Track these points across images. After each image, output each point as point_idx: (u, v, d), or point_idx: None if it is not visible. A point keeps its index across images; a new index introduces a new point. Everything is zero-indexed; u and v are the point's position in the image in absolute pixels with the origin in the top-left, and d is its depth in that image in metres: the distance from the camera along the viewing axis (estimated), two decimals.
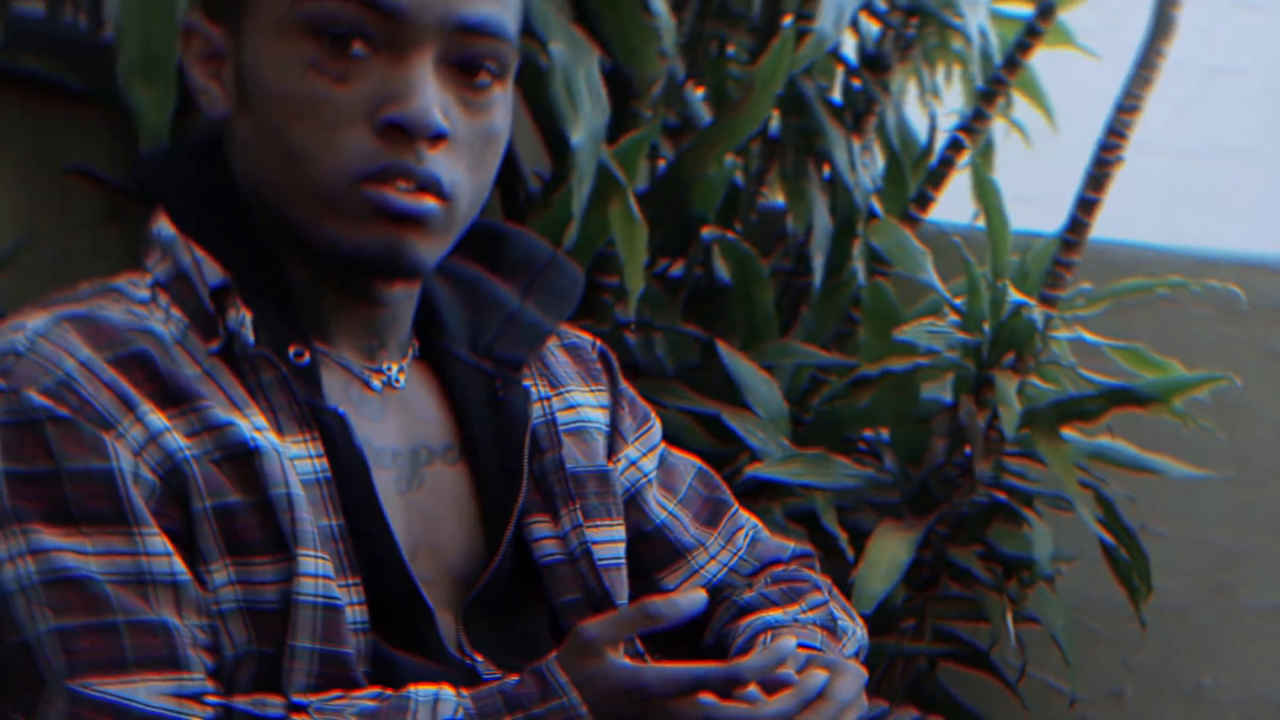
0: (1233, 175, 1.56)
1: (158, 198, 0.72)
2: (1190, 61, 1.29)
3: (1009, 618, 1.16)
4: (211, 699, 0.65)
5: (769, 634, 0.77)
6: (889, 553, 1.08)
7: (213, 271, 0.70)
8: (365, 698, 0.67)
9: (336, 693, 0.67)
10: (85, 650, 0.64)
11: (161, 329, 0.69)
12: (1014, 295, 1.12)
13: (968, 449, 1.13)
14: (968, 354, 1.13)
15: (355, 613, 0.68)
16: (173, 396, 0.67)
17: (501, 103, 0.70)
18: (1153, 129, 1.18)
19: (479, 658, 0.72)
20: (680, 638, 0.78)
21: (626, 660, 0.65)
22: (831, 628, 0.80)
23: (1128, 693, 1.39)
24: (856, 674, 0.71)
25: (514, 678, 0.66)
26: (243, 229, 0.71)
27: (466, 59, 0.68)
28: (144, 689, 0.64)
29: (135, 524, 0.65)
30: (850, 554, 1.09)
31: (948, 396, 1.16)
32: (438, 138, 0.67)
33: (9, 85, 1.05)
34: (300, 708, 0.66)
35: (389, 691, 0.67)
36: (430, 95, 0.66)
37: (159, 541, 0.66)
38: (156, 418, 0.66)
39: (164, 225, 0.71)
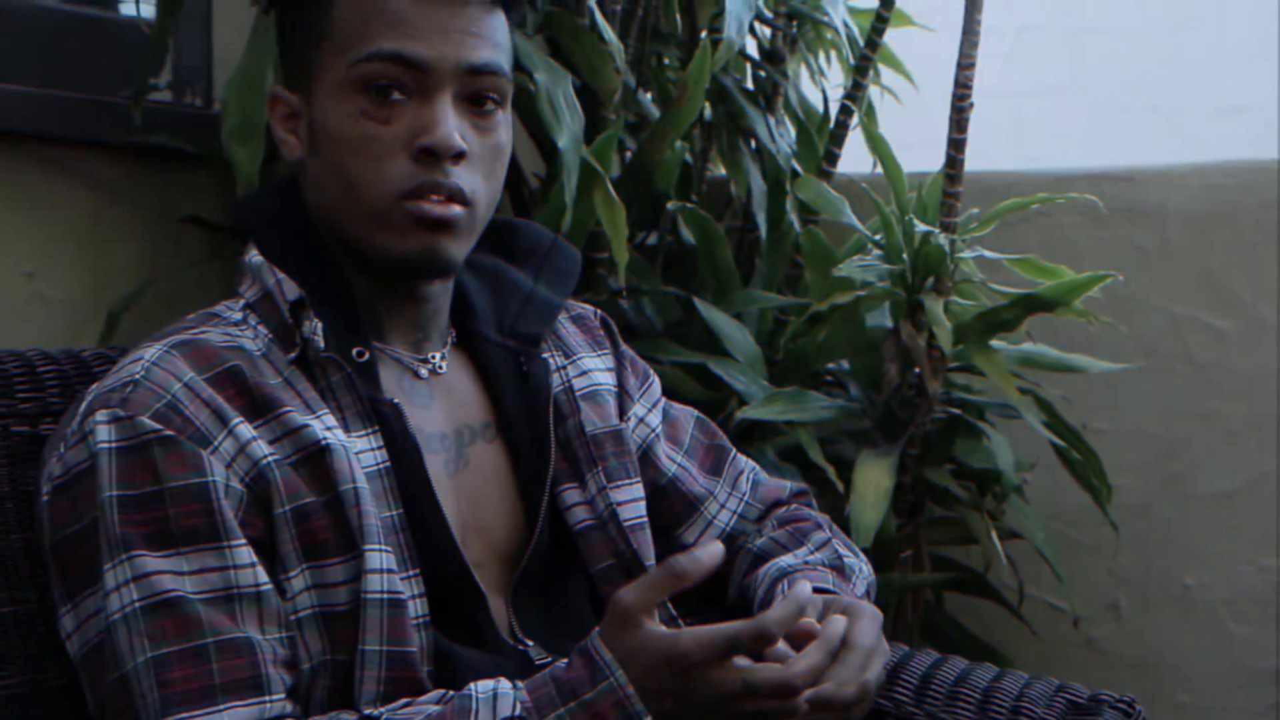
0: (1058, 107, 1.50)
1: (249, 231, 0.68)
2: (1002, 24, 1.24)
3: (994, 534, 1.05)
4: None
5: (785, 581, 0.69)
6: (874, 480, 0.98)
7: (291, 289, 0.65)
8: (429, 702, 0.59)
9: (404, 700, 0.60)
10: (178, 681, 0.57)
11: (250, 345, 0.64)
12: (920, 226, 1.05)
13: (917, 370, 1.04)
14: (896, 282, 1.06)
15: (417, 605, 0.62)
16: (259, 407, 0.62)
17: (504, 123, 0.68)
18: (989, 78, 1.12)
19: (530, 643, 0.65)
20: (706, 596, 0.71)
21: (663, 628, 0.57)
22: (839, 566, 0.72)
23: (1122, 604, 1.24)
24: (873, 615, 0.64)
25: (564, 661, 0.58)
26: (314, 251, 0.67)
27: (476, 93, 0.66)
28: (228, 715, 0.57)
29: (226, 537, 0.59)
30: (840, 486, 0.99)
31: (889, 322, 1.07)
32: (459, 156, 0.65)
33: (142, 157, 1.06)
34: (372, 719, 0.59)
35: (451, 692, 0.59)
36: (451, 124, 0.65)
37: (245, 552, 0.59)
38: (245, 428, 0.61)
39: (253, 254, 0.67)
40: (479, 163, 0.65)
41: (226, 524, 0.59)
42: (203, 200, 1.09)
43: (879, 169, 1.12)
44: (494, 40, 0.66)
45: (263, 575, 0.59)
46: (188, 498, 0.59)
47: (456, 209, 0.64)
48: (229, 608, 0.58)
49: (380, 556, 0.60)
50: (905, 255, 1.05)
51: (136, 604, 0.58)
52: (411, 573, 0.62)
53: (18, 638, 0.64)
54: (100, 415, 0.60)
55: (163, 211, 1.08)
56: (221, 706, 0.57)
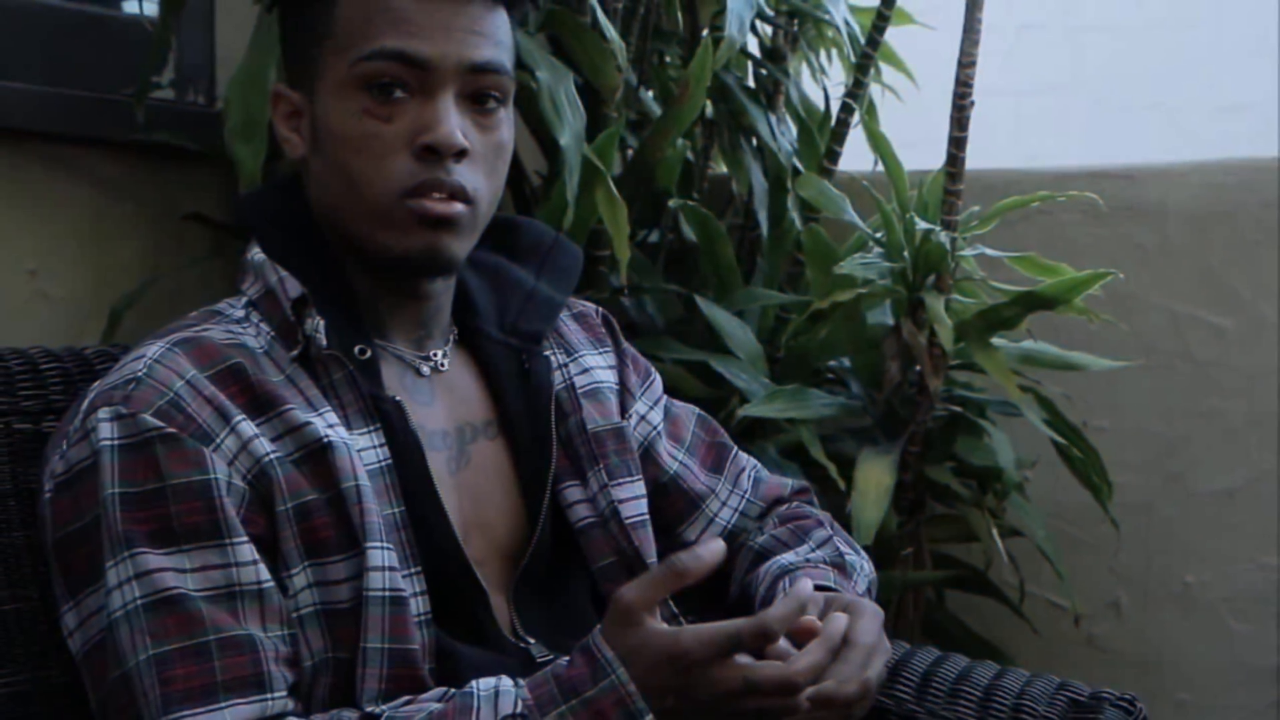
0: (1059, 105, 1.50)
1: (251, 229, 0.68)
2: (1002, 23, 1.23)
3: (994, 531, 1.04)
4: (292, 718, 0.58)
5: (786, 578, 0.69)
6: (875, 478, 0.97)
7: (293, 286, 0.65)
8: (431, 700, 0.59)
9: (405, 698, 0.59)
10: (179, 678, 0.57)
11: (253, 342, 0.64)
12: (921, 223, 1.05)
13: (918, 367, 1.03)
14: (897, 279, 1.05)
15: (418, 603, 0.61)
16: (261, 404, 0.61)
17: (506, 121, 0.68)
18: (990, 76, 1.11)
19: (531, 640, 0.65)
20: (708, 594, 0.70)
21: (664, 625, 0.56)
22: (841, 564, 0.72)
23: (1122, 601, 1.23)
24: (874, 613, 0.64)
25: (565, 659, 0.58)
26: (316, 248, 0.66)
27: (477, 91, 0.66)
28: (230, 714, 0.56)
29: (228, 535, 0.59)
30: (841, 484, 0.98)
31: (890, 320, 1.07)
32: (461, 154, 0.65)
33: (145, 155, 1.06)
34: (374, 716, 0.58)
35: (452, 690, 0.59)
36: (453, 122, 0.65)
37: (247, 549, 0.59)
38: (248, 425, 0.60)
39: (255, 251, 0.66)
40: (481, 160, 0.65)
41: (228, 521, 0.59)
42: (205, 198, 1.08)
43: (880, 167, 1.12)
44: (496, 38, 0.65)
45: (265, 573, 0.59)
46: (190, 495, 0.58)
47: (458, 207, 0.64)
48: (231, 605, 0.58)
49: (382, 554, 0.60)
50: (906, 253, 1.05)
51: (138, 601, 0.57)
52: (413, 570, 0.61)
53: (19, 635, 0.64)
54: (103, 413, 0.59)
55: (165, 209, 1.08)
56: (223, 704, 0.56)
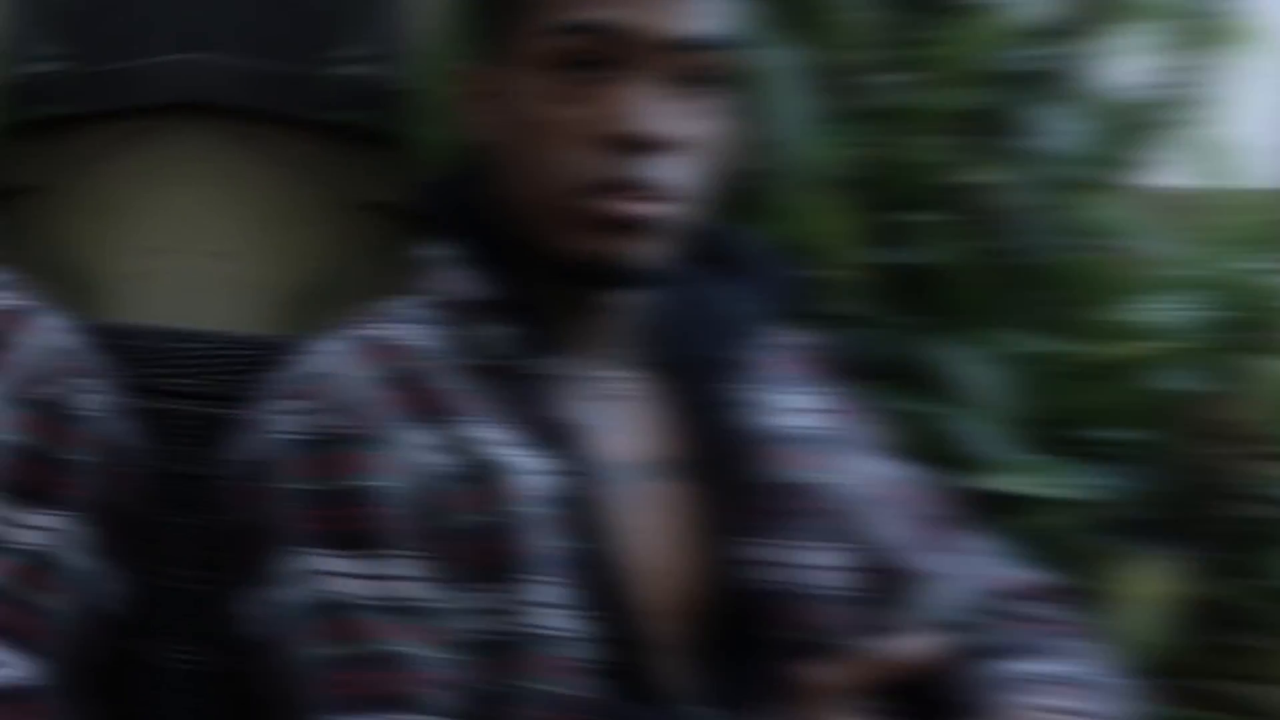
0: None
1: (437, 222, 0.73)
2: None
3: None
4: None
5: (1017, 692, 0.68)
6: (1154, 586, 0.92)
7: (478, 289, 0.69)
8: None
9: None
10: (337, 684, 0.63)
11: (432, 346, 0.68)
12: (1252, 261, 0.98)
13: (1227, 450, 0.98)
14: (1208, 332, 0.99)
15: (580, 648, 0.65)
16: (437, 413, 0.66)
17: (718, 108, 0.68)
18: None
19: (701, 707, 0.67)
20: (914, 694, 0.69)
21: None
22: (1095, 686, 0.69)
23: None
24: None
25: None
26: (502, 248, 0.70)
27: (686, 72, 0.67)
28: None
29: (395, 546, 0.64)
30: (1107, 588, 0.94)
31: (1192, 385, 1.01)
32: (661, 145, 0.66)
33: (333, 137, 1.14)
34: None
35: None
36: (655, 108, 0.66)
37: (415, 564, 0.64)
38: (421, 434, 0.65)
39: (439, 248, 0.71)
40: (684, 154, 0.66)
41: (395, 532, 0.64)
42: (391, 185, 1.14)
43: (1202, 182, 1.07)
44: (711, 10, 0.68)
45: (430, 590, 0.64)
46: (363, 500, 0.64)
47: (653, 208, 0.66)
48: (390, 619, 0.63)
49: (546, 589, 0.64)
50: (1226, 299, 1.00)
51: (304, 601, 0.64)
52: (578, 611, 0.65)
53: (199, 616, 0.75)
54: (284, 406, 0.67)
55: (351, 195, 1.16)
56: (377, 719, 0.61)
